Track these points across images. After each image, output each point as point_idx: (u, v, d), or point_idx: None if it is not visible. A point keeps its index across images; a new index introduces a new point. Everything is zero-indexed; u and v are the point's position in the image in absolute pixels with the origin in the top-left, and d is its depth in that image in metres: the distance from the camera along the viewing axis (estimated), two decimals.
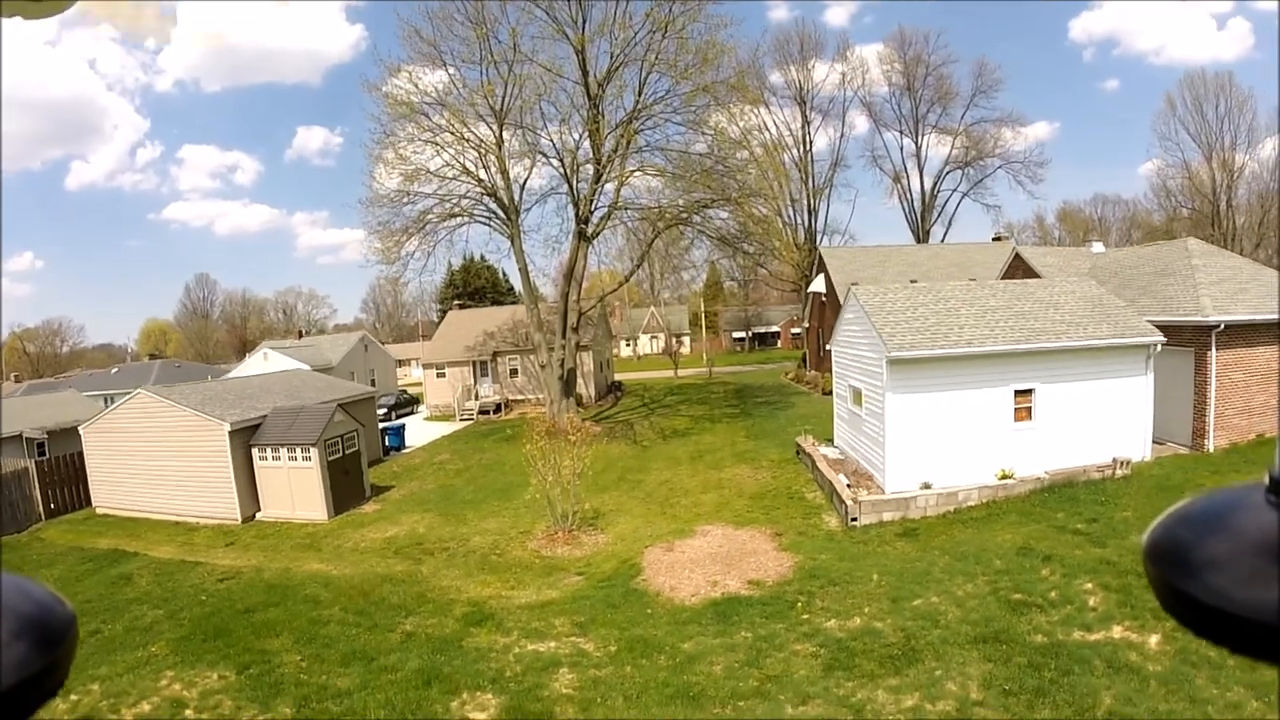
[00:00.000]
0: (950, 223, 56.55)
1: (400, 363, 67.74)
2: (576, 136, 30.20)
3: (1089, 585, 10.81)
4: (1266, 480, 0.53)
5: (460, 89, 29.55)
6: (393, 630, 11.89)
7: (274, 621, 12.51)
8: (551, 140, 30.34)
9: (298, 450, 20.18)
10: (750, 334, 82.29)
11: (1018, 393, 16.27)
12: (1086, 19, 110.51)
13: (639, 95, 29.54)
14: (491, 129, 30.26)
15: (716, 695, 8.89)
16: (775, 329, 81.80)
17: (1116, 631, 9.46)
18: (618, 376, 49.86)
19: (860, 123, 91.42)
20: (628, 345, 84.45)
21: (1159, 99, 72.95)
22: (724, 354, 74.75)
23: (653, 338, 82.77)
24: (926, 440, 15.84)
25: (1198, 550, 0.53)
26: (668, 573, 13.14)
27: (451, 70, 29.37)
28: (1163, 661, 8.56)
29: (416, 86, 29.71)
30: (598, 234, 32.13)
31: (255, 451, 20.67)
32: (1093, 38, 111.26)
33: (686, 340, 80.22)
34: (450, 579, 14.45)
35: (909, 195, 56.97)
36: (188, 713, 9.54)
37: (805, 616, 10.92)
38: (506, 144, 30.37)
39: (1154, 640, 9.08)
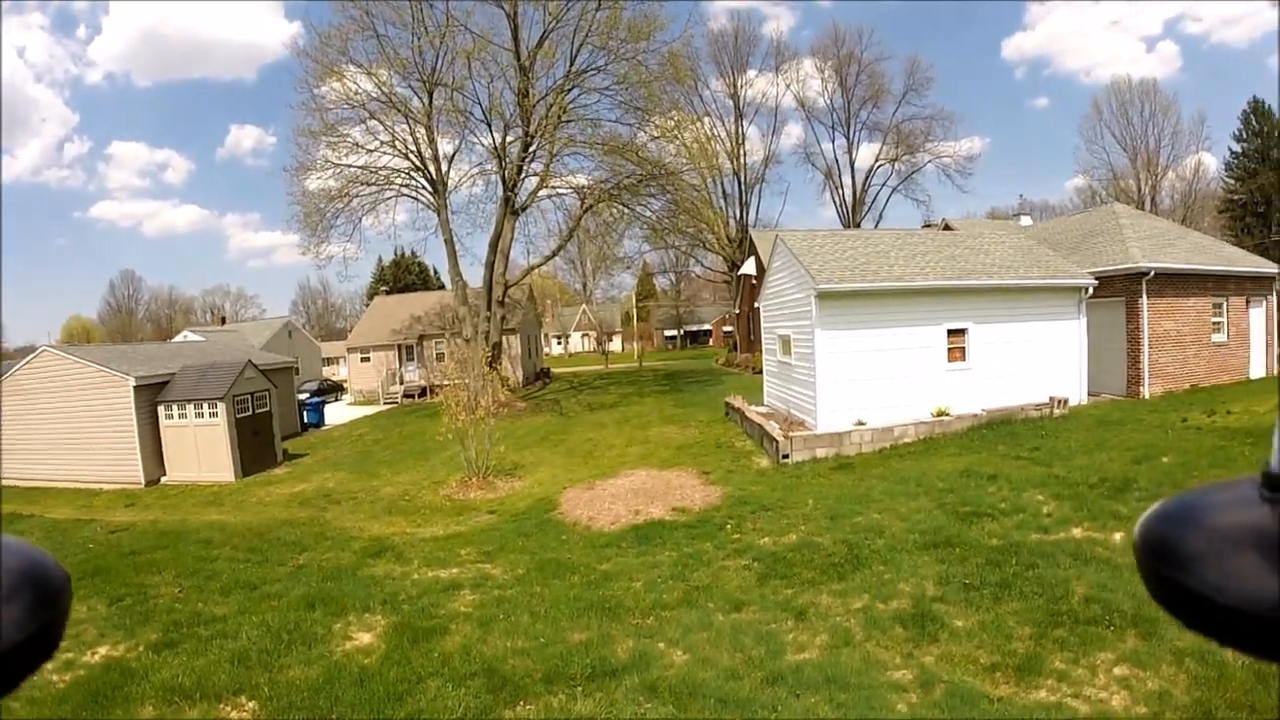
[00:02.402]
0: (881, 217, 57.00)
1: (328, 361, 64.92)
2: (509, 107, 29.10)
3: (1040, 496, 10.09)
4: (1260, 475, 0.52)
5: (392, 54, 28.05)
6: (284, 564, 10.46)
7: (159, 561, 11.03)
8: (481, 106, 29.14)
9: (205, 406, 18.87)
10: (682, 332, 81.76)
11: (951, 332, 15.68)
12: (1019, 39, 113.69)
13: (571, 64, 28.60)
14: (421, 99, 29.01)
15: (637, 607, 7.69)
16: (707, 327, 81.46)
17: (1076, 532, 8.70)
18: (547, 367, 48.40)
19: (795, 123, 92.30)
20: (559, 343, 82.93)
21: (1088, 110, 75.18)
22: (655, 351, 73.93)
23: (584, 335, 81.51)
24: (859, 378, 15.06)
25: (1191, 543, 0.52)
26: (586, 506, 11.89)
27: (383, 36, 27.89)
28: (1131, 555, 7.73)
29: (346, 51, 28.22)
30: (527, 207, 30.98)
31: (161, 410, 19.28)
32: (1025, 57, 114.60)
33: (618, 338, 79.16)
34: (354, 521, 13.07)
35: (840, 189, 57.33)
36: None
37: (736, 536, 9.83)
38: (435, 114, 29.01)
39: (1118, 537, 8.34)
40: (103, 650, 7.80)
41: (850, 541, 9.07)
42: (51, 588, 0.53)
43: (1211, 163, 57.19)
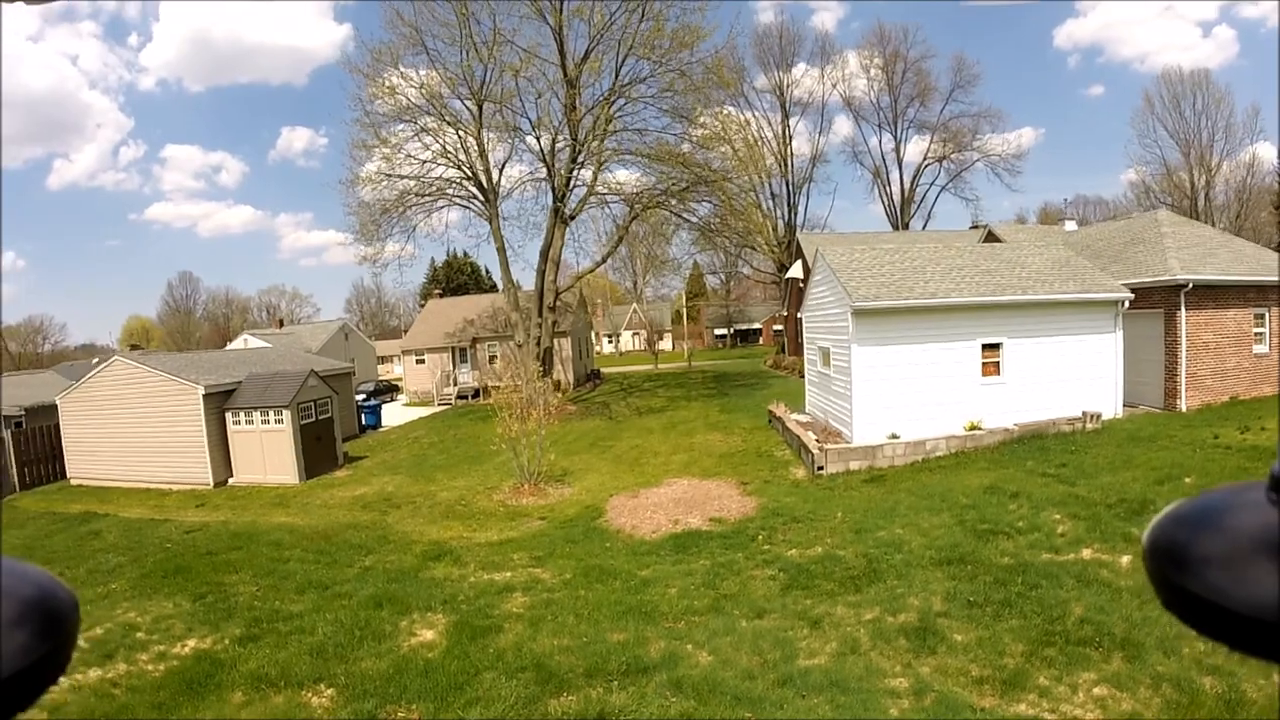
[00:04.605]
0: (930, 216, 56.66)
1: (382, 359, 67.19)
2: (557, 119, 30.13)
3: (1057, 516, 10.60)
4: (1268, 479, 0.52)
5: (442, 71, 29.39)
6: (351, 566, 11.62)
7: (235, 561, 12.26)
8: (529, 119, 30.24)
9: (270, 413, 20.05)
10: (732, 331, 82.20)
11: (985, 347, 16.11)
12: (1071, 26, 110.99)
13: (616, 76, 29.49)
14: (471, 111, 30.20)
15: (670, 612, 8.59)
16: (757, 326, 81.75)
17: (1086, 553, 9.23)
18: (598, 368, 49.51)
19: (841, 121, 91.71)
20: (610, 341, 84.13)
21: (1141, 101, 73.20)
22: (705, 350, 74.56)
23: (635, 334, 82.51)
24: (893, 393, 15.63)
25: (1197, 547, 0.52)
26: (630, 515, 12.83)
27: (433, 52, 29.17)
28: (1135, 577, 8.29)
29: (398, 67, 29.59)
30: (575, 215, 31.97)
31: (229, 416, 20.50)
32: (1077, 45, 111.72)
33: (669, 337, 79.98)
34: (414, 525, 14.19)
35: (889, 189, 57.14)
36: (138, 634, 9.27)
37: (766, 547, 10.64)
38: (486, 126, 30.20)
39: (1125, 560, 8.85)
40: (191, 643, 8.93)
41: (871, 555, 9.79)
42: (59, 613, 0.55)
43: (1269, 155, 55.11)
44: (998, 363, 16.16)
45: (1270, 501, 0.51)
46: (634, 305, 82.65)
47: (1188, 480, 11.65)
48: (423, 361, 41.61)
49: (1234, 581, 0.48)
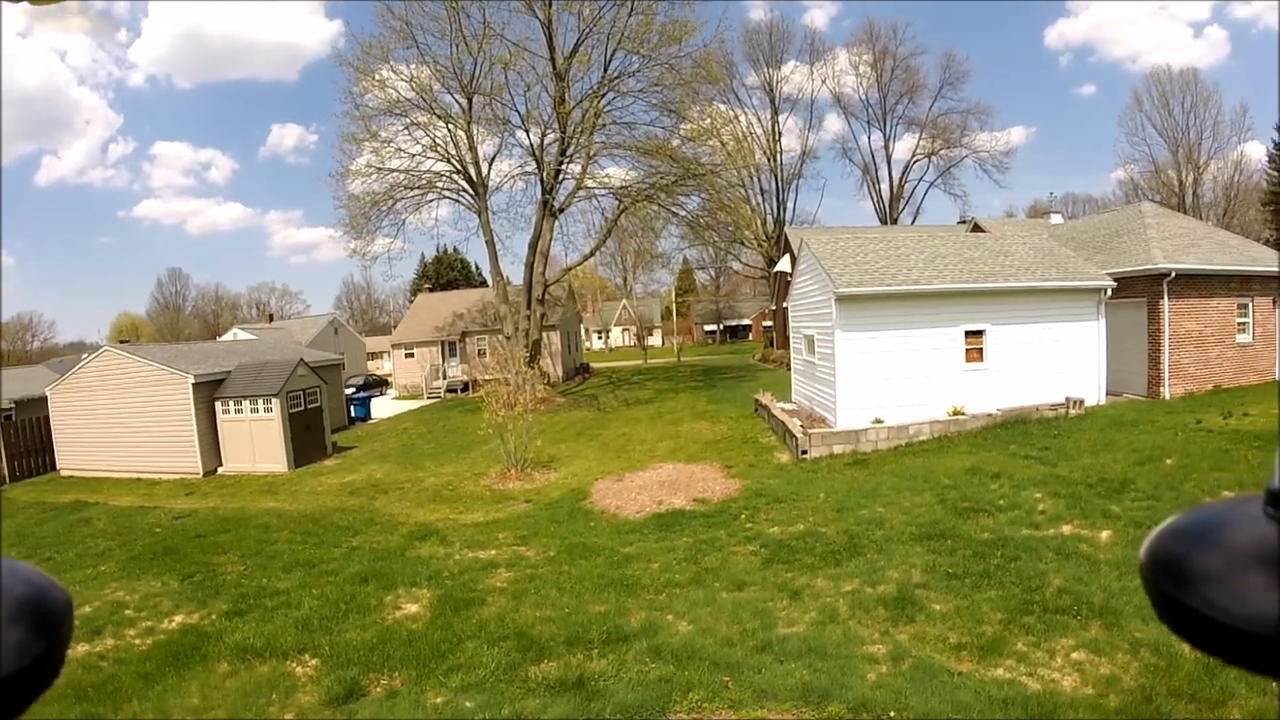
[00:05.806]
0: (919, 212, 56.95)
1: (372, 355, 67.03)
2: (546, 112, 30.15)
3: (1038, 494, 10.69)
4: (1264, 493, 0.52)
5: (432, 64, 29.35)
6: (338, 546, 11.68)
7: (223, 543, 12.31)
8: (518, 112, 30.24)
9: (260, 402, 20.00)
10: (721, 326, 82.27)
11: (968, 333, 16.21)
12: (1062, 26, 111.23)
13: (605, 70, 29.53)
14: (460, 104, 30.17)
15: (651, 585, 8.63)
16: (746, 322, 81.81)
17: (1066, 529, 9.31)
18: (587, 363, 49.48)
19: (831, 118, 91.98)
20: (599, 337, 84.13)
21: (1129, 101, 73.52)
22: (695, 345, 74.64)
23: (624, 330, 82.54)
24: (877, 378, 15.73)
25: (1194, 562, 0.51)
26: (615, 497, 12.89)
27: (423, 45, 29.13)
28: (1114, 550, 8.38)
29: (388, 60, 29.53)
30: (564, 208, 31.95)
31: (219, 405, 20.43)
32: (1069, 44, 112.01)
33: (658, 333, 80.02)
34: (400, 508, 14.26)
35: (878, 185, 57.34)
36: (126, 612, 9.33)
37: (748, 525, 10.70)
38: (475, 119, 30.16)
39: (1105, 535, 8.93)
40: (179, 618, 9.00)
41: (852, 532, 9.85)
42: (53, 612, 0.54)
43: (1257, 153, 55.63)
44: (981, 349, 16.26)
45: (1268, 516, 0.51)
46: (624, 301, 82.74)
47: (1169, 462, 11.72)
48: (412, 355, 41.55)
49: (1231, 596, 0.48)
